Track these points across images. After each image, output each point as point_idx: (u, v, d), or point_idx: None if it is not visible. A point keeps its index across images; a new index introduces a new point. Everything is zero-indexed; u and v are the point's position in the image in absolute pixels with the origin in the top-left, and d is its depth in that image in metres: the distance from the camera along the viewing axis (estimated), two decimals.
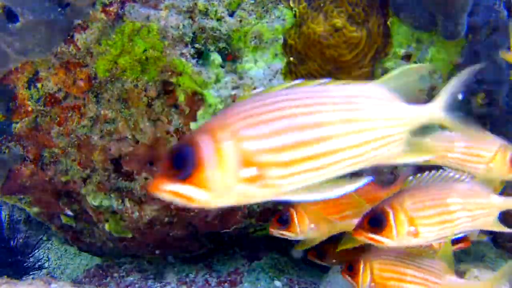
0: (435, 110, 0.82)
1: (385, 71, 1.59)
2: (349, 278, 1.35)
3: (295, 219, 1.40)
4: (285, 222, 1.41)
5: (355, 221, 1.27)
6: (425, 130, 0.83)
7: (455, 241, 1.52)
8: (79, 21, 1.42)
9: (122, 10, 1.43)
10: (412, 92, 0.80)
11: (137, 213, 1.71)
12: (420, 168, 1.31)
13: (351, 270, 1.34)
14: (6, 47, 1.40)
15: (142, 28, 1.43)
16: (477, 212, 1.23)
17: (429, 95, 1.66)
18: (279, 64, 1.53)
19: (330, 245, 1.85)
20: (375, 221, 1.18)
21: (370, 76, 1.57)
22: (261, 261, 2.02)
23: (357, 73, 1.54)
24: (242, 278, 1.90)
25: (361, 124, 0.75)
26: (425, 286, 1.23)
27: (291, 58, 1.52)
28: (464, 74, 0.84)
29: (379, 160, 0.79)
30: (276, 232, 1.43)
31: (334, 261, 1.85)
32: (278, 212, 1.48)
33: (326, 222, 1.41)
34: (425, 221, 1.17)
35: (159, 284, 1.88)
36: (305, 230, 1.40)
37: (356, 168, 0.77)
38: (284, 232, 1.42)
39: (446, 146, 1.31)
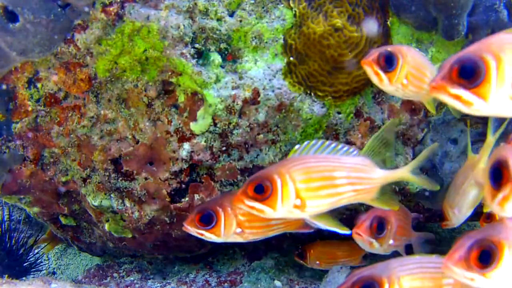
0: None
1: None
2: None
3: (222, 220, 1.22)
4: (209, 221, 1.22)
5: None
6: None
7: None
8: (79, 21, 1.43)
9: (122, 10, 1.43)
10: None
11: (137, 213, 1.71)
12: None
13: None
14: (6, 47, 1.39)
15: (142, 28, 1.43)
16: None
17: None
18: (279, 64, 1.53)
19: (312, 247, 1.87)
20: (260, 188, 1.10)
21: None
22: (261, 261, 2.02)
23: (357, 73, 1.54)
24: (242, 278, 1.90)
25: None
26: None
27: (291, 58, 1.52)
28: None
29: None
30: (194, 231, 1.24)
31: (317, 262, 1.86)
32: (200, 208, 1.27)
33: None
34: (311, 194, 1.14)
35: (159, 284, 1.88)
36: (229, 234, 1.23)
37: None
38: (205, 233, 1.23)
39: None
